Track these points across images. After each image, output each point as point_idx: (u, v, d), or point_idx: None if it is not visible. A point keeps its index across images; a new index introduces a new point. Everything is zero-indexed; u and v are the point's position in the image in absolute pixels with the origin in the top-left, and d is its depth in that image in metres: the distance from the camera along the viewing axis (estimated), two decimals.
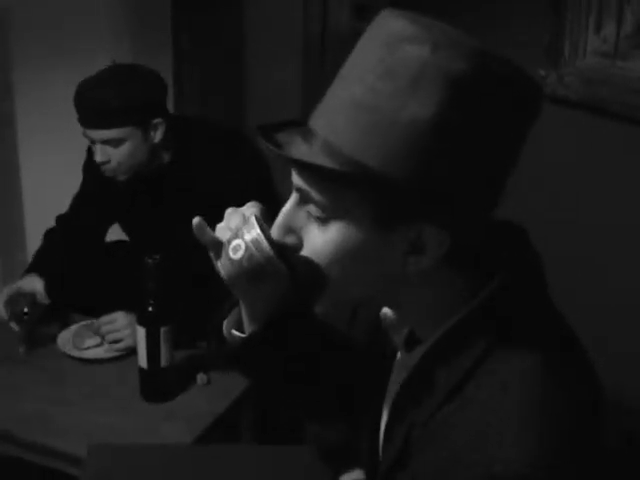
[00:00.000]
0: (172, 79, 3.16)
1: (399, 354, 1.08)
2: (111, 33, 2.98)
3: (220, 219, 1.97)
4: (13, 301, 2.08)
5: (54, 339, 2.11)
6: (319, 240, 0.92)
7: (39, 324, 2.12)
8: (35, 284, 2.15)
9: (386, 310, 1.07)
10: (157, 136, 2.07)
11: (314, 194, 0.90)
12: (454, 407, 0.92)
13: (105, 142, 2.03)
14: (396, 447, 1.00)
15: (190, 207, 2.14)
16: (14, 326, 2.06)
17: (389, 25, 0.87)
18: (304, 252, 0.94)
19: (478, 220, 0.92)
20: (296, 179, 0.93)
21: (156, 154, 2.11)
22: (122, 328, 2.04)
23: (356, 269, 0.93)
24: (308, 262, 0.93)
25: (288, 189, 0.98)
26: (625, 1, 1.75)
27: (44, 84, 2.86)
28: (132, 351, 2.00)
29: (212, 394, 1.94)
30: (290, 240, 0.95)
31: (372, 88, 0.86)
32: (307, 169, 0.90)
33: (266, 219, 1.02)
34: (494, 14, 2.04)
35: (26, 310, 2.05)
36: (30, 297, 2.10)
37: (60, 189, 2.38)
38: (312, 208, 0.92)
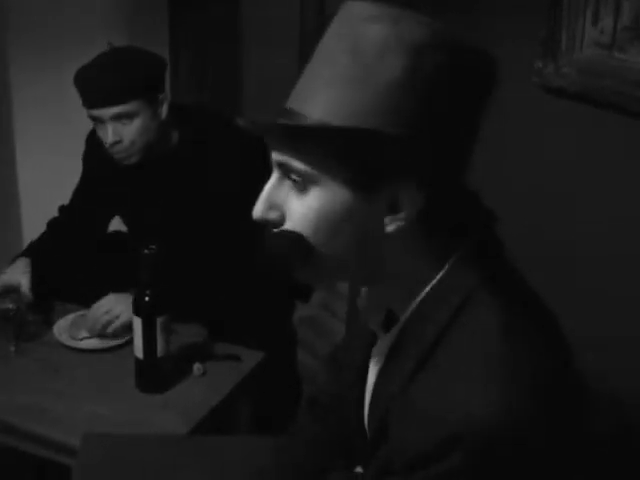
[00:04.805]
0: (169, 68, 3.14)
1: (378, 341, 1.11)
2: (107, 25, 2.97)
3: (223, 207, 1.96)
4: None
5: (49, 330, 2.11)
6: (300, 210, 0.97)
7: (26, 322, 2.10)
8: (20, 278, 2.12)
9: (360, 302, 1.12)
10: (164, 112, 2.08)
11: (292, 161, 0.95)
12: (424, 375, 0.96)
13: (116, 119, 2.02)
14: (377, 422, 1.04)
15: (194, 194, 2.16)
16: None
17: (352, 9, 0.96)
18: (287, 225, 0.98)
19: (449, 181, 0.97)
20: (275, 155, 0.98)
21: (165, 132, 2.11)
22: (113, 309, 2.05)
23: (337, 234, 0.97)
24: (289, 234, 0.97)
25: None
26: None
27: (40, 80, 2.85)
28: (128, 341, 2.00)
29: (208, 385, 1.94)
30: (273, 215, 0.99)
31: (341, 65, 0.93)
32: (283, 131, 0.95)
33: None
34: (491, 6, 2.04)
35: (11, 307, 2.02)
36: (16, 294, 2.07)
37: (57, 186, 2.37)
38: (292, 177, 0.96)
